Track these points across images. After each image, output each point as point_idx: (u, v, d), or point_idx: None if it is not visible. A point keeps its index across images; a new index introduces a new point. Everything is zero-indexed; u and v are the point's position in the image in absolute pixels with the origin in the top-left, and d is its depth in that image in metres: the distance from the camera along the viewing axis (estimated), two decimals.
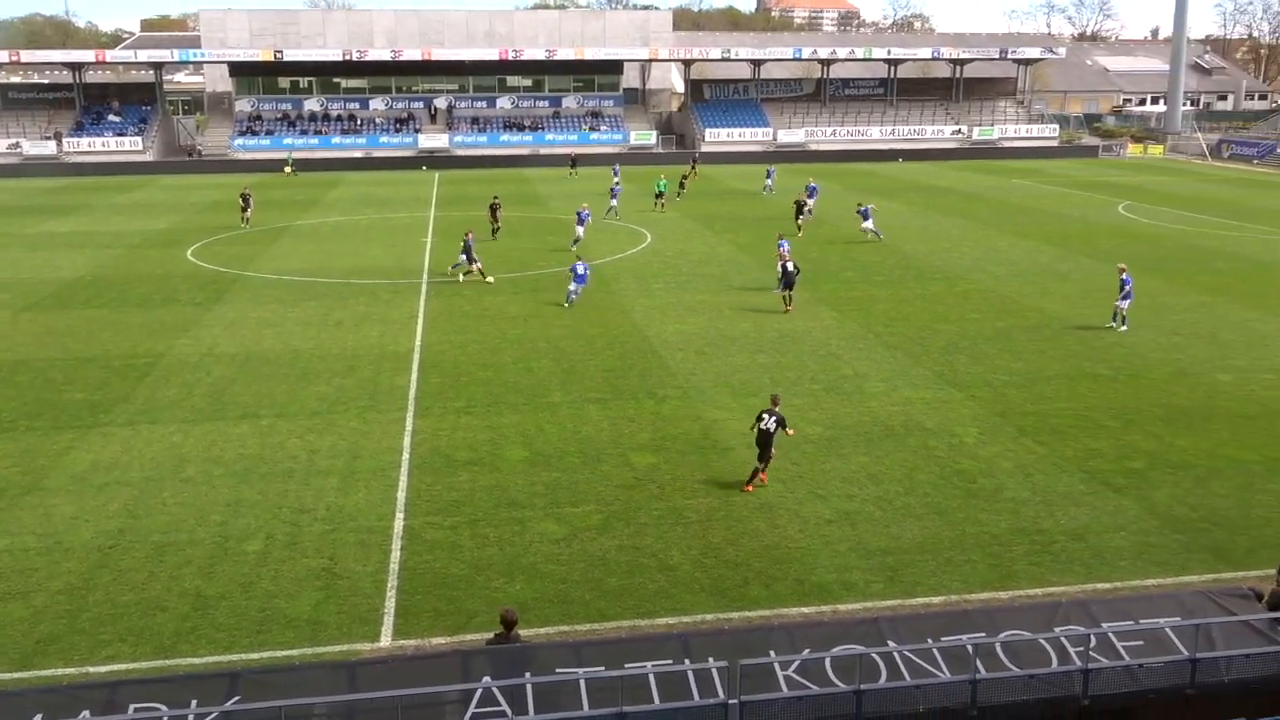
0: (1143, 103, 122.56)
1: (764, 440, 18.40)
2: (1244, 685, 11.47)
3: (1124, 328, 29.32)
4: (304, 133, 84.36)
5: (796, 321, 30.54)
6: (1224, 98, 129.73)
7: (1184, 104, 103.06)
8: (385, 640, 13.93)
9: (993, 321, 30.61)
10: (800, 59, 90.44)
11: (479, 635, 13.49)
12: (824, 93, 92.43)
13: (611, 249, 42.92)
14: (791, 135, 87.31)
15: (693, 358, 26.84)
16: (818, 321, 30.60)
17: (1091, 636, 11.35)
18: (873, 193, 59.97)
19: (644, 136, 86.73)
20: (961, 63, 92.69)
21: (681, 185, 59.70)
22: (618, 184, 55.46)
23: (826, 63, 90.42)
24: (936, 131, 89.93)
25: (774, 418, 18.37)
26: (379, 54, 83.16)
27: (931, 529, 17.04)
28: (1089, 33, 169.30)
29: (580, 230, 41.65)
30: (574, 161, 75.04)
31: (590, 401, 23.38)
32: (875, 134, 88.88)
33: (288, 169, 75.75)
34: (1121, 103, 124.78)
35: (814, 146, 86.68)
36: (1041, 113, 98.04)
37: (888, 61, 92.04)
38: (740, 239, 44.93)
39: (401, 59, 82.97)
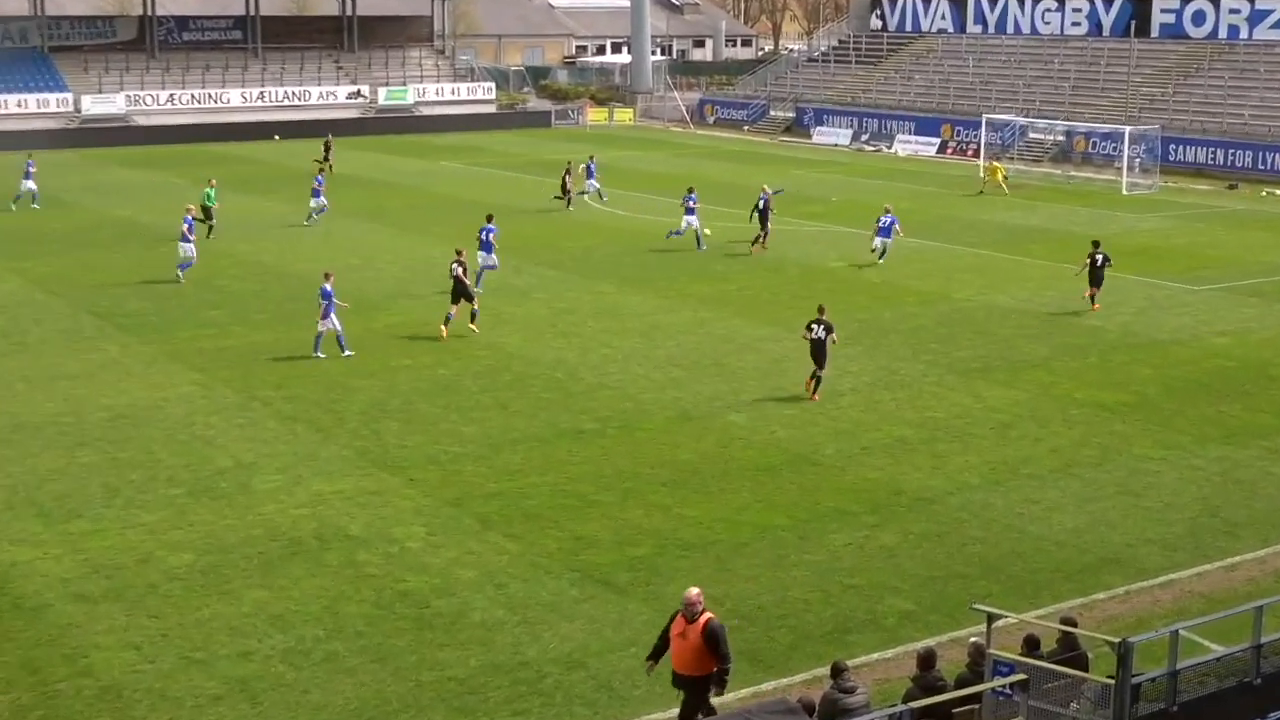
0: (601, 50, 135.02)
1: (817, 349, 28.37)
2: None
3: (881, 260, 43.25)
4: None
5: (135, 393, 29.60)
6: (701, 44, 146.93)
7: (653, 53, 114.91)
8: None
9: (430, 369, 31.85)
10: None
11: None
12: (151, 38, 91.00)
13: None
14: (105, 105, 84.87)
15: None
16: (173, 389, 29.96)
17: None
18: (238, 187, 60.02)
19: None
20: None
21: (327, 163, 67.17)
22: (33, 187, 56.34)
23: None
24: (327, 94, 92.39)
25: (822, 325, 28.33)
26: None
27: (371, 685, 17.23)
28: None
29: None
30: None
31: None
32: (236, 99, 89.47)
33: None
34: (575, 51, 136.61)
35: (141, 120, 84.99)
36: (470, 65, 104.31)
37: None
38: (32, 268, 43.02)
39: None
